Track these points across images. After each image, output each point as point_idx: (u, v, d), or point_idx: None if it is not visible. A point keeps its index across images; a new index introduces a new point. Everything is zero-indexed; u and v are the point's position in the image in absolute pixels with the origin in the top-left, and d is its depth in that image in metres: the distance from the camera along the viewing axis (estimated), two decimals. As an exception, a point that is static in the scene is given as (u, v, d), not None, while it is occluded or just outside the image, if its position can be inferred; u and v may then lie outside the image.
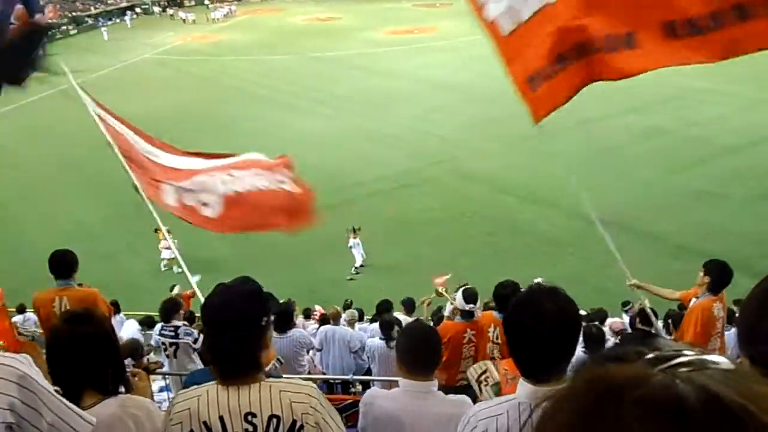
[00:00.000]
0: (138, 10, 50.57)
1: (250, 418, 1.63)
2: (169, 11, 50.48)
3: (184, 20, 47.00)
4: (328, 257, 13.90)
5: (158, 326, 5.58)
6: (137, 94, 27.75)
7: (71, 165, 20.00)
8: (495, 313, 4.13)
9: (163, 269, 13.66)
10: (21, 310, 9.63)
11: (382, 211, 15.63)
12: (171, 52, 37.30)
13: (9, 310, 9.60)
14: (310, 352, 6.67)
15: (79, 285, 4.30)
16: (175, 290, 9.75)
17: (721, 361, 0.45)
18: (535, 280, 7.34)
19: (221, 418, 1.63)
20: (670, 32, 2.46)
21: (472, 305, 4.56)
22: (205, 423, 1.64)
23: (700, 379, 0.42)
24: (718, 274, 4.24)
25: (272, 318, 1.79)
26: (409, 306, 8.00)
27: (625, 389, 0.43)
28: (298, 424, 1.63)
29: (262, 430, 1.63)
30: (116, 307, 8.25)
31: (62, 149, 21.25)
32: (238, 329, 1.65)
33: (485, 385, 2.39)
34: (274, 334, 5.53)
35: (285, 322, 5.52)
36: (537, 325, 1.53)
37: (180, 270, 13.39)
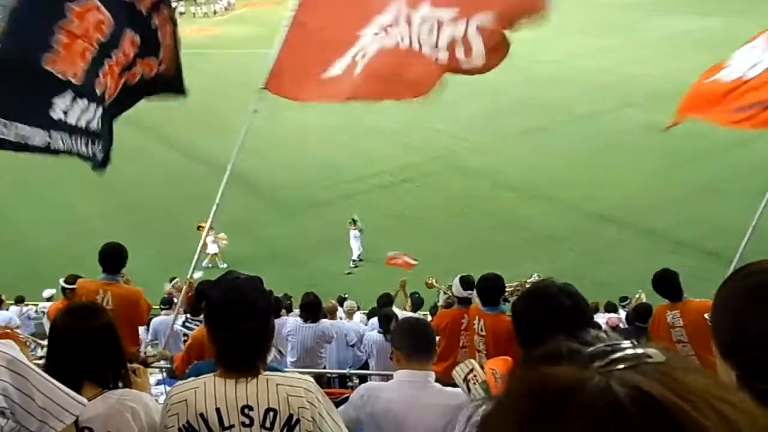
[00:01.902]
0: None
1: (246, 410, 1.63)
2: (179, 7, 49.08)
3: (194, 14, 46.10)
4: (326, 252, 13.91)
5: (182, 317, 5.63)
6: (135, 88, 27.65)
7: (65, 160, 19.89)
8: (480, 306, 4.14)
9: (207, 266, 13.64)
10: (20, 300, 9.59)
11: (381, 206, 15.62)
12: (169, 45, 37.11)
13: (8, 302, 9.58)
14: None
15: (125, 281, 4.22)
16: (169, 285, 9.74)
17: (653, 353, 0.46)
18: (534, 275, 7.35)
19: (218, 410, 1.64)
20: None
21: (470, 291, 4.60)
22: (201, 415, 1.64)
23: (634, 379, 0.42)
24: (657, 285, 4.36)
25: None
26: (386, 302, 7.96)
27: (565, 395, 0.43)
28: (295, 417, 1.63)
29: (259, 423, 1.63)
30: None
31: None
32: (248, 323, 1.65)
33: (473, 384, 2.40)
34: (300, 322, 5.57)
35: (313, 313, 5.59)
36: (554, 321, 1.51)
37: (225, 264, 13.61)
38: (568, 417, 0.41)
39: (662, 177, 15.70)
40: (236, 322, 1.65)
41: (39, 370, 1.49)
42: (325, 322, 5.74)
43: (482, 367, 2.45)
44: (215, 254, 13.84)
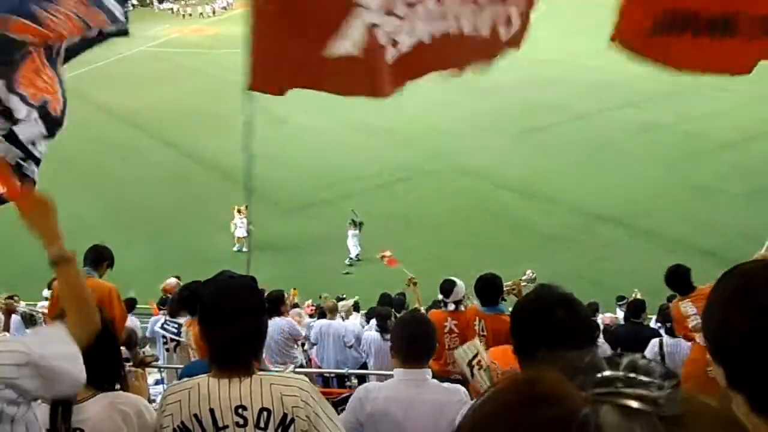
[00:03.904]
0: (134, 1, 50.15)
1: (240, 411, 1.63)
2: (180, 8, 47.84)
3: (201, 14, 45.61)
4: (325, 251, 13.90)
5: (161, 319, 5.54)
6: (132, 88, 27.60)
7: (64, 159, 19.88)
8: (478, 306, 4.15)
9: (244, 251, 13.77)
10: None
11: (380, 206, 15.62)
12: (167, 44, 37.09)
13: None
14: (305, 345, 6.65)
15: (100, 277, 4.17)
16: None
17: (665, 401, 0.43)
18: (528, 271, 7.34)
19: (212, 411, 1.64)
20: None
21: (445, 297, 4.57)
22: (195, 415, 1.65)
23: (610, 421, 0.41)
24: (669, 279, 4.43)
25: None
26: (398, 305, 7.92)
27: (542, 403, 0.44)
28: (289, 417, 1.62)
29: (253, 424, 1.62)
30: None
31: (54, 143, 21.05)
32: (242, 322, 1.65)
33: (477, 369, 2.38)
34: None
35: (273, 309, 5.49)
36: (547, 333, 1.51)
37: (247, 249, 13.84)
38: (536, 417, 0.43)
39: (660, 177, 15.73)
40: (228, 320, 1.65)
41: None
42: (280, 321, 5.59)
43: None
44: (243, 237, 13.89)
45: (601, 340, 6.95)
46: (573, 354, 0.50)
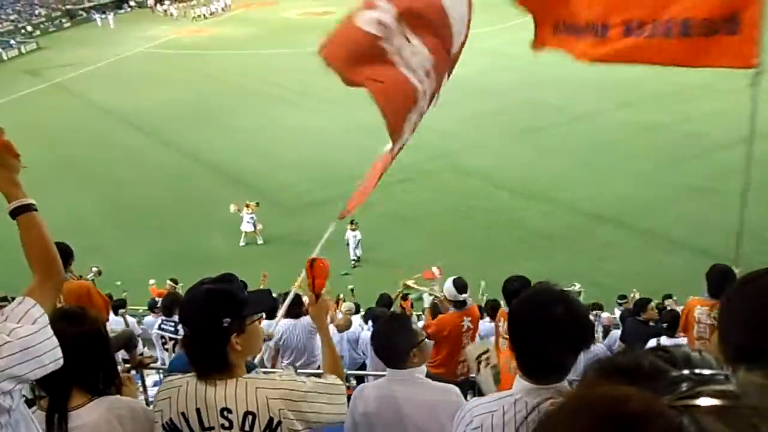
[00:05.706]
0: (132, 3, 50.04)
1: (225, 413, 1.64)
2: (177, 11, 47.39)
3: (204, 16, 45.46)
4: (325, 251, 13.87)
5: (158, 320, 5.53)
6: (131, 89, 27.58)
7: (63, 159, 19.90)
8: (506, 309, 4.22)
9: (260, 242, 14.24)
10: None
11: (379, 205, 15.60)
12: (165, 45, 37.07)
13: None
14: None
15: (79, 277, 4.24)
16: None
17: (744, 393, 0.42)
18: (576, 287, 7.40)
19: (198, 410, 1.66)
20: (627, 31, 3.24)
21: (464, 294, 4.74)
22: (183, 414, 1.67)
23: (711, 427, 0.39)
24: (714, 280, 4.27)
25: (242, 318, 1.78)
26: (385, 303, 7.88)
27: (631, 424, 0.40)
28: (276, 420, 1.63)
29: (238, 426, 1.64)
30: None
31: (54, 144, 21.11)
32: (198, 329, 1.69)
33: (484, 366, 2.39)
34: (289, 320, 5.30)
35: (294, 309, 5.42)
36: (543, 330, 1.51)
37: (262, 241, 14.08)
38: None
39: (658, 177, 15.73)
40: (189, 327, 1.73)
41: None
42: (306, 318, 5.47)
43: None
44: (253, 232, 14.05)
45: (599, 340, 6.95)
46: (622, 356, 0.47)
